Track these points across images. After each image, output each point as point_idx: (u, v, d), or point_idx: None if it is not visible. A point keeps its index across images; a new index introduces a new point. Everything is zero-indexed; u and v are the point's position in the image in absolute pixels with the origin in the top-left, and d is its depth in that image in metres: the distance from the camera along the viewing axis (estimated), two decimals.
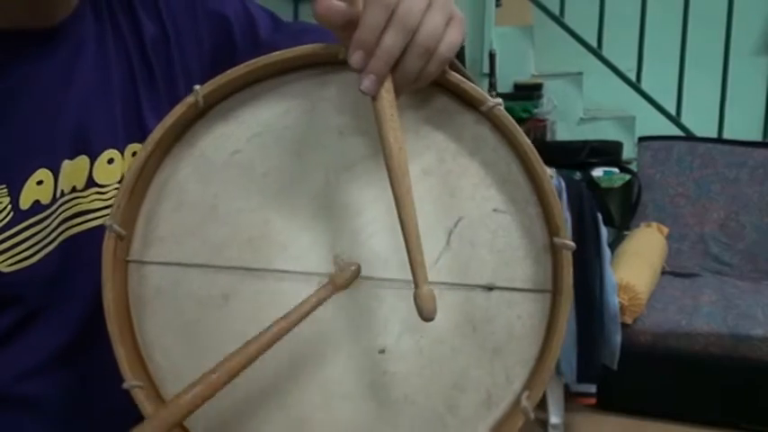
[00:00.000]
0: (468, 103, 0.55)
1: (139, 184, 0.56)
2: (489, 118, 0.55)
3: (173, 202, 0.57)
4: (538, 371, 0.54)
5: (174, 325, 0.57)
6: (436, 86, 0.54)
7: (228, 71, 0.54)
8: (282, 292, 0.56)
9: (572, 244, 0.51)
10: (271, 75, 0.56)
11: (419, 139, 0.55)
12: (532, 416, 0.52)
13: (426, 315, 0.48)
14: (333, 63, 0.55)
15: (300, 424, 0.56)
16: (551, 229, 0.54)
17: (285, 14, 3.25)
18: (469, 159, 0.55)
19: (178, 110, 0.55)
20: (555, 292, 0.54)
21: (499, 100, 0.53)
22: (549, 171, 0.53)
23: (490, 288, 0.55)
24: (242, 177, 0.57)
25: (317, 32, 0.75)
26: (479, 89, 0.53)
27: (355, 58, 0.49)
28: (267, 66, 0.54)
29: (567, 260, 0.52)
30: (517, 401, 0.54)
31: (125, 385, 0.54)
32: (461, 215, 0.55)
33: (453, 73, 0.53)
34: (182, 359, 0.56)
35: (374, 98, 0.50)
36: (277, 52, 0.54)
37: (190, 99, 0.54)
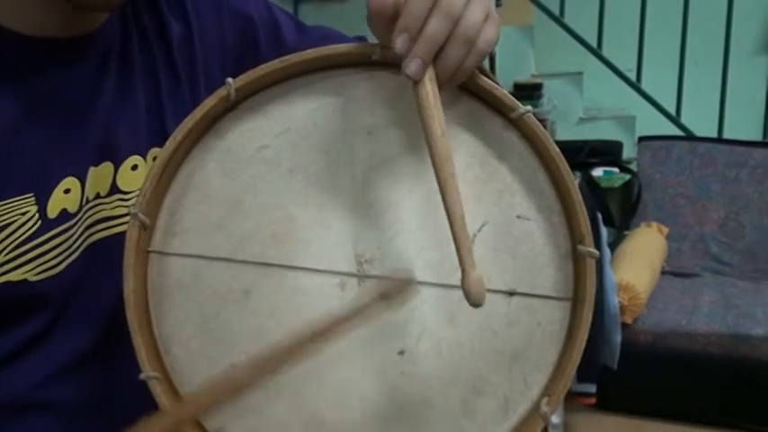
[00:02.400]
0: (498, 109, 0.55)
1: (165, 175, 0.56)
2: (518, 125, 0.55)
3: (198, 194, 0.57)
4: (557, 377, 0.54)
5: (192, 318, 0.57)
6: (466, 91, 0.54)
7: (262, 66, 0.54)
8: (303, 289, 0.56)
9: (596, 252, 0.51)
10: (303, 72, 0.56)
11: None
12: (552, 421, 0.53)
13: (475, 300, 0.48)
14: (366, 63, 0.55)
15: (316, 422, 0.56)
16: (576, 236, 0.54)
17: None
18: (496, 165, 0.56)
19: (209, 101, 0.54)
20: (576, 300, 0.54)
21: (529, 108, 0.53)
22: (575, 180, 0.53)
23: (511, 293, 0.55)
24: (269, 173, 0.57)
25: (339, 39, 0.75)
26: (510, 96, 0.53)
27: (400, 42, 0.49)
28: (301, 63, 0.54)
29: (591, 268, 0.52)
30: (535, 407, 0.54)
31: (142, 376, 0.54)
32: (485, 220, 0.55)
33: (485, 78, 0.53)
34: (199, 353, 0.56)
35: (417, 84, 0.50)
36: (312, 50, 0.54)
37: (222, 91, 0.54)
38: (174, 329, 0.57)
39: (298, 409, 0.56)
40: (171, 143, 0.54)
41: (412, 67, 0.49)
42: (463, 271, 0.49)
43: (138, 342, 0.54)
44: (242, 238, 0.56)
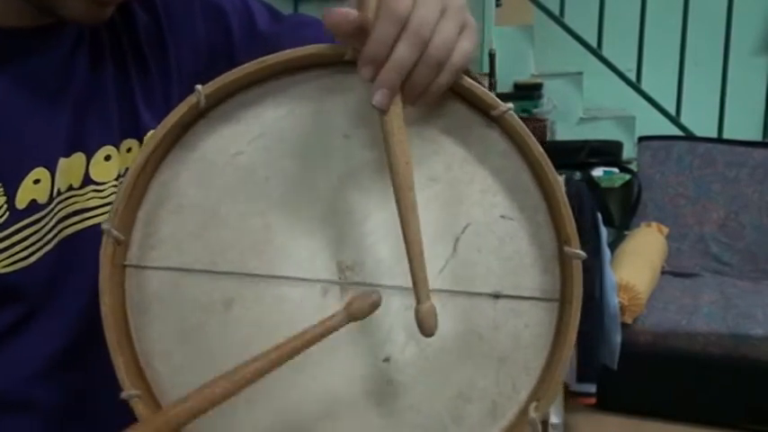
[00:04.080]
0: (479, 107, 0.54)
1: (138, 186, 0.54)
2: (500, 123, 0.53)
3: (172, 204, 0.56)
4: (545, 381, 0.53)
5: (173, 331, 0.55)
6: (447, 91, 0.53)
7: (232, 71, 0.53)
8: (285, 298, 0.55)
9: (582, 254, 0.50)
10: (275, 75, 0.55)
11: (427, 144, 0.54)
12: (540, 428, 0.52)
13: (427, 332, 0.49)
14: (339, 63, 0.53)
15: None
16: (562, 237, 0.53)
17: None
18: (478, 165, 0.54)
19: (180, 109, 0.53)
20: (563, 302, 0.53)
21: (510, 105, 0.51)
22: (560, 179, 0.52)
23: (497, 296, 0.54)
24: (244, 180, 0.55)
25: (315, 26, 0.74)
26: (491, 94, 0.52)
27: (365, 72, 0.48)
28: (271, 66, 0.53)
29: (578, 270, 0.51)
30: (523, 411, 0.53)
31: (123, 395, 0.53)
32: (469, 221, 0.54)
33: (466, 77, 0.52)
34: (182, 367, 0.55)
35: (384, 113, 0.48)
36: (282, 52, 0.53)
37: (191, 99, 0.53)
38: (155, 344, 0.56)
39: (282, 419, 0.55)
40: (142, 154, 0.53)
41: (378, 97, 0.47)
42: (417, 301, 0.49)
43: (119, 361, 0.53)
44: (220, 248, 0.55)
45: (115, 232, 0.53)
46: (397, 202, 0.49)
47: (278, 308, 0.55)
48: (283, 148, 0.55)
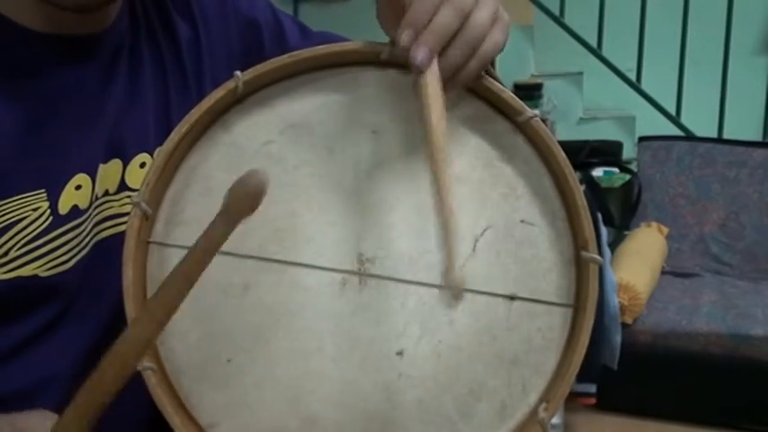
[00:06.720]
0: (505, 112, 0.55)
1: (169, 166, 0.56)
2: (524, 129, 0.55)
3: (200, 186, 0.57)
4: (556, 384, 0.54)
5: (191, 311, 0.56)
6: (473, 93, 0.54)
7: (271, 60, 0.54)
8: (303, 285, 0.56)
9: (600, 258, 0.51)
10: (311, 68, 0.56)
11: (453, 145, 0.55)
12: (549, 428, 0.53)
13: (455, 291, 0.50)
14: (374, 62, 0.55)
15: (311, 420, 0.56)
16: (579, 242, 0.54)
17: None
18: (502, 168, 0.56)
19: (217, 93, 0.54)
20: (577, 307, 0.54)
21: (536, 112, 0.53)
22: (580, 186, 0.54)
23: (512, 298, 0.55)
24: (272, 168, 0.57)
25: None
26: (518, 99, 0.53)
27: (405, 36, 0.49)
28: (309, 59, 0.54)
29: (594, 274, 0.52)
30: (533, 413, 0.54)
31: (138, 366, 0.53)
32: (489, 223, 0.55)
33: (493, 81, 0.53)
34: (196, 346, 0.56)
35: (420, 75, 0.49)
36: (321, 46, 0.54)
37: (230, 84, 0.54)
38: (173, 321, 0.56)
39: (293, 407, 0.56)
40: (176, 134, 0.54)
41: (419, 54, 0.48)
42: (447, 270, 0.50)
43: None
44: (243, 233, 0.55)
45: (144, 205, 0.54)
46: (432, 165, 0.49)
47: (295, 295, 0.56)
48: (314, 140, 0.57)
